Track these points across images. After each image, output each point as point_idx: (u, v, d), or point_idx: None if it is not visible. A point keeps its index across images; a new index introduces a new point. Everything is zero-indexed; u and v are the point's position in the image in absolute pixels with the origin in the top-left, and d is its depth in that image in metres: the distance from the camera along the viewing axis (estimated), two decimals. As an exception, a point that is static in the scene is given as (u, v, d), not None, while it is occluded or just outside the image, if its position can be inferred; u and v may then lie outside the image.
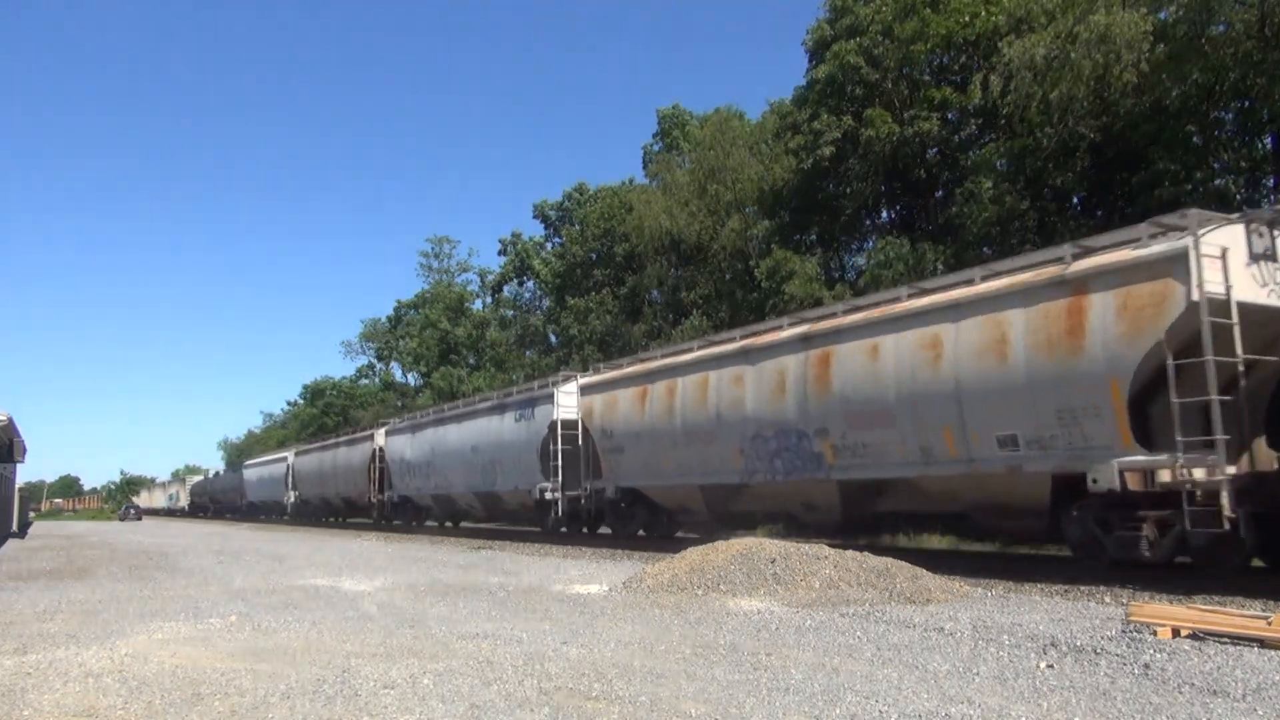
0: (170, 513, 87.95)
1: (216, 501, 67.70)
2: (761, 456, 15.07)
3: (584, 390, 20.54)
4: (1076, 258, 10.76)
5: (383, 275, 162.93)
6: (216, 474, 79.36)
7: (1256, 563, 10.89)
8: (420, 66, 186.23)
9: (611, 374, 19.83)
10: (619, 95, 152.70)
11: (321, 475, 40.05)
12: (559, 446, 20.96)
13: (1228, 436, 9.29)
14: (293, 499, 44.53)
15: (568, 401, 21.17)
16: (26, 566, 17.68)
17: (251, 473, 54.44)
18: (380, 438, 33.25)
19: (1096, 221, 20.54)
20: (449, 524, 31.83)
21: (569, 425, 20.97)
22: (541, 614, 8.83)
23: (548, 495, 21.33)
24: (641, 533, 20.30)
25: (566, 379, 21.99)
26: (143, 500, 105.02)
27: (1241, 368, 9.68)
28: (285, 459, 46.00)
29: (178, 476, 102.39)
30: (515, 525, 27.51)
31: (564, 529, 22.77)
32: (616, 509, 20.08)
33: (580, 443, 20.61)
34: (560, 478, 21.07)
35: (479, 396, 30.22)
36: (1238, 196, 19.57)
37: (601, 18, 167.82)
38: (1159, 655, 6.05)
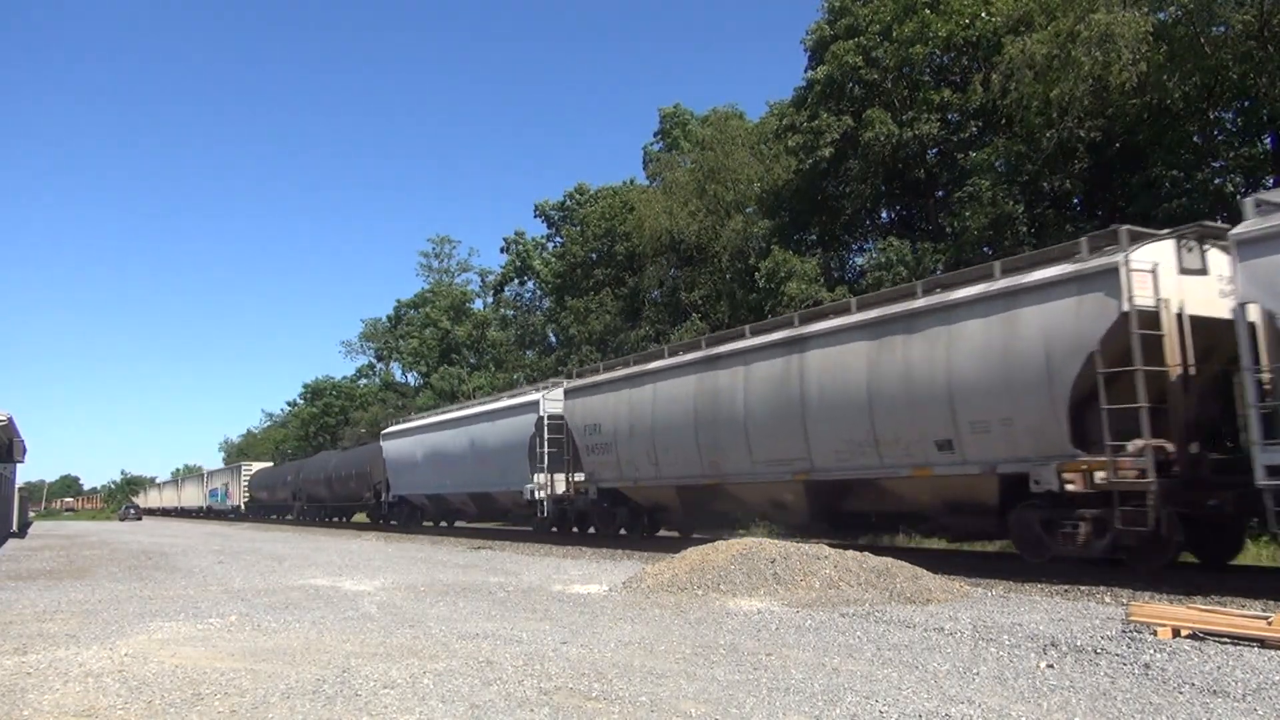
0: (213, 514, 62.73)
1: (310, 499, 43.03)
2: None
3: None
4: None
5: (383, 275, 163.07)
6: (288, 457, 60.06)
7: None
8: (421, 66, 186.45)
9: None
10: (619, 95, 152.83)
11: (716, 425, 15.62)
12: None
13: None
14: (555, 493, 21.40)
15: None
16: (26, 566, 17.68)
17: (409, 443, 30.12)
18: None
19: (1097, 222, 20.49)
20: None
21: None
22: (541, 614, 8.83)
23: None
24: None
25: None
26: (167, 499, 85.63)
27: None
28: (535, 403, 22.20)
29: (225, 465, 77.54)
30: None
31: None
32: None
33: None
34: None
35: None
36: (1237, 196, 19.52)
37: (602, 18, 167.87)
38: (1159, 655, 6.05)
